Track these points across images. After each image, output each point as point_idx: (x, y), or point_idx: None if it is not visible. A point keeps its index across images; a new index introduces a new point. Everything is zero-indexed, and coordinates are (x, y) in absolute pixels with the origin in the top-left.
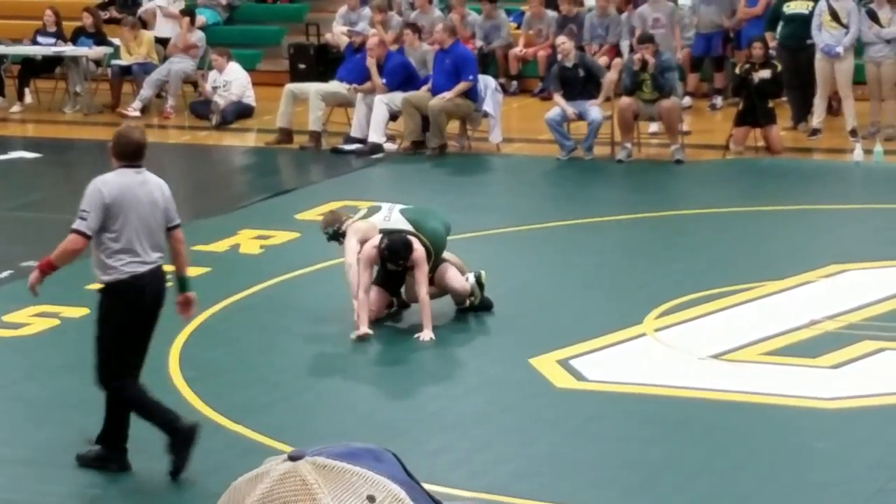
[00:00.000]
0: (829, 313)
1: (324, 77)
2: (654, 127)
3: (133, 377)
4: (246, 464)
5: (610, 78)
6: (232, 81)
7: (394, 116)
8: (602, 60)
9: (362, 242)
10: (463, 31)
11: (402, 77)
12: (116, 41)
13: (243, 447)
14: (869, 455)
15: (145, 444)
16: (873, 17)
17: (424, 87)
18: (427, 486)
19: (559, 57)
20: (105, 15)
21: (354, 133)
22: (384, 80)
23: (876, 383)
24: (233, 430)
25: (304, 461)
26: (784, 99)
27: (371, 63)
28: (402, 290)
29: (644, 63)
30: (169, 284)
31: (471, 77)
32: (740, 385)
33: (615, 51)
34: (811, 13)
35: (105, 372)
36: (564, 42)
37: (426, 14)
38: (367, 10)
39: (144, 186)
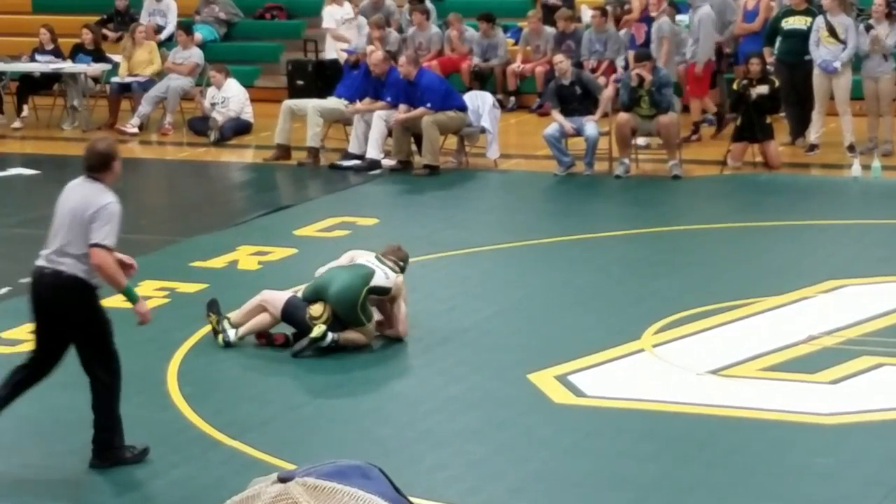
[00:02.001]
0: (827, 329)
1: (322, 93)
2: (641, 141)
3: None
4: (243, 480)
5: (607, 94)
6: (230, 98)
7: (392, 133)
8: (601, 80)
9: None
10: (461, 48)
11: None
12: (116, 58)
13: (241, 463)
14: (867, 471)
15: (144, 461)
16: (868, 30)
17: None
18: (423, 503)
19: (556, 74)
20: (111, 35)
21: (352, 149)
22: (388, 98)
23: (874, 399)
24: (230, 445)
25: (295, 483)
26: (782, 114)
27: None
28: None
29: (641, 79)
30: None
31: (428, 105)
32: (738, 401)
33: (613, 67)
34: (809, 28)
35: None
36: (562, 61)
37: (424, 31)
38: (361, 21)
39: (70, 192)
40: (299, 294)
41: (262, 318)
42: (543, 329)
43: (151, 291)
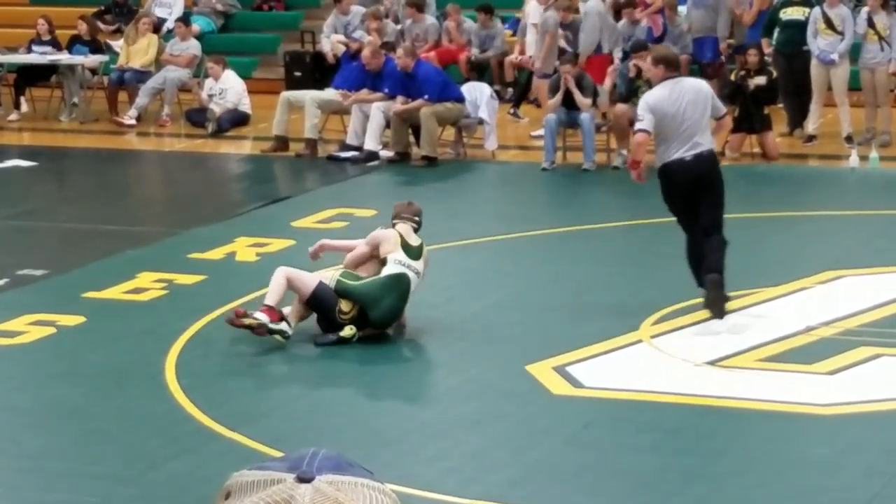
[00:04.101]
0: (825, 319)
1: (319, 85)
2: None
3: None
4: None
5: (606, 88)
6: (227, 89)
7: (390, 124)
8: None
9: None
10: (459, 39)
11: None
12: (118, 44)
13: (239, 455)
14: (865, 461)
15: (142, 453)
16: (870, 23)
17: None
18: (422, 494)
19: (561, 81)
20: (108, 27)
21: (350, 140)
22: (385, 90)
23: (872, 389)
24: (229, 437)
25: (320, 482)
26: (780, 105)
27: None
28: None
29: (639, 70)
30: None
31: (426, 96)
32: (736, 391)
33: (610, 58)
34: (807, 19)
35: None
36: (568, 70)
37: (420, 22)
38: (357, 8)
39: (680, 94)
40: (326, 279)
41: (298, 308)
42: (542, 320)
43: (149, 283)
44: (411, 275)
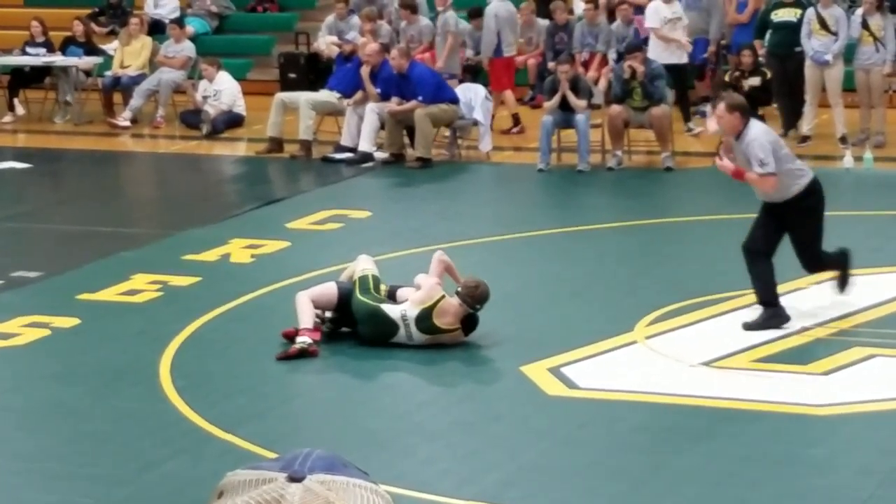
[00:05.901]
0: (819, 320)
1: (314, 86)
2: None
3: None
4: None
5: (599, 89)
6: (222, 91)
7: (385, 125)
8: (591, 75)
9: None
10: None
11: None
12: (112, 46)
13: (234, 456)
14: (859, 461)
15: (136, 455)
16: (864, 25)
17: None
18: (416, 495)
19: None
20: (102, 29)
21: (345, 142)
22: (378, 90)
23: (866, 389)
24: (223, 438)
25: (311, 481)
26: (774, 106)
27: (364, 72)
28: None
29: (633, 71)
30: None
31: (420, 98)
32: (731, 392)
33: (605, 59)
34: (799, 21)
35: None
36: (567, 70)
37: (413, 24)
38: (355, 19)
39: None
40: (343, 279)
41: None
42: (536, 321)
43: (144, 285)
44: (402, 332)
